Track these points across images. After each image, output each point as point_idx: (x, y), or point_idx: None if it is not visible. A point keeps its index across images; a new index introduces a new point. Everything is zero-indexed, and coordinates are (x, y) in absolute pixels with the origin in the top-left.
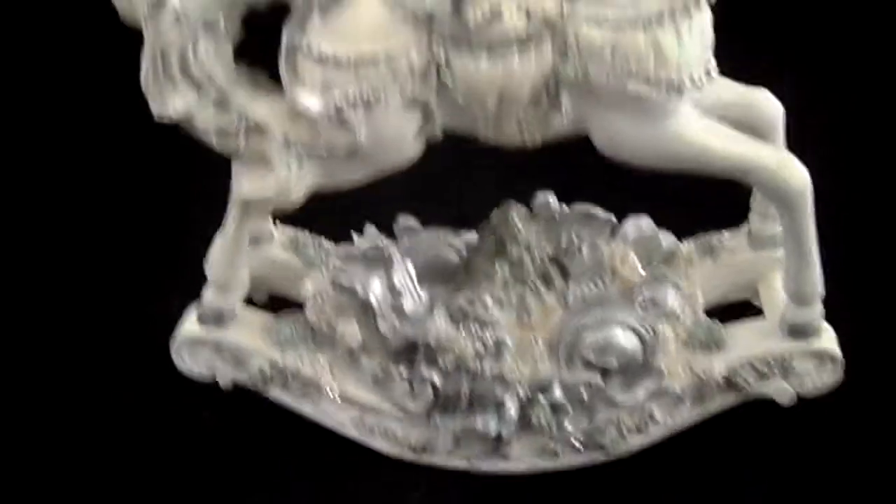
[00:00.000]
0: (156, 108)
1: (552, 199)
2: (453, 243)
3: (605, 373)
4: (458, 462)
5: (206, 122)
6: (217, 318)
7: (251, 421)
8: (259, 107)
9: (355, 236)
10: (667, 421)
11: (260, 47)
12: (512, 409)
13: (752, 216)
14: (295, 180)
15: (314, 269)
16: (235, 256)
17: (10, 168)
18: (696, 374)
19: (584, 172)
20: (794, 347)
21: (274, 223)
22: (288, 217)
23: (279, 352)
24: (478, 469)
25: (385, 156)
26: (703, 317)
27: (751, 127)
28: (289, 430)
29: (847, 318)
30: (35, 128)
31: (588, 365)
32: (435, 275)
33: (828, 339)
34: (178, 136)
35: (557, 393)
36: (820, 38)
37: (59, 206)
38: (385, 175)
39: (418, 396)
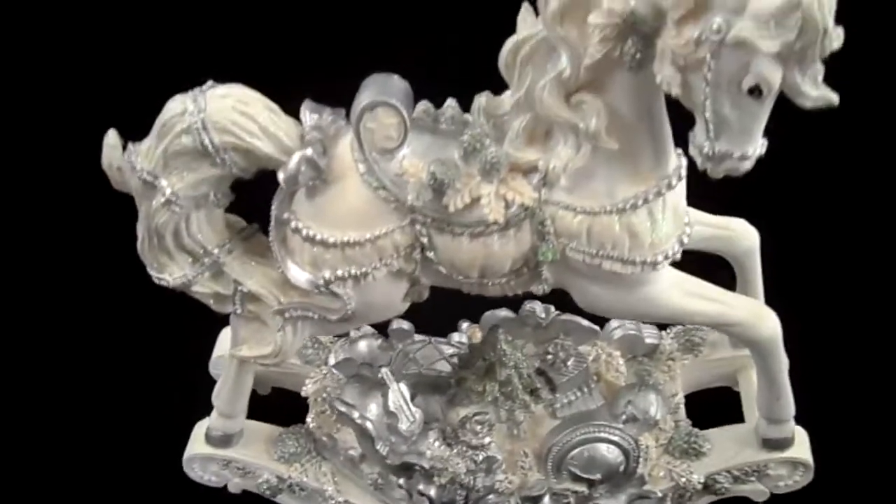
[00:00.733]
0: (153, 274)
1: (539, 306)
2: (445, 354)
3: (590, 482)
4: None
5: (203, 289)
6: (224, 441)
7: None
8: (252, 276)
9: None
10: None
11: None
12: None
13: None
14: (291, 341)
15: (313, 367)
16: (239, 395)
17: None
18: (676, 480)
19: None
20: (768, 457)
21: None
22: None
23: (284, 465)
24: None
25: (375, 315)
26: (683, 423)
27: (730, 255)
28: None
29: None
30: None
31: (575, 477)
32: (428, 387)
33: (800, 448)
34: None
35: (546, 501)
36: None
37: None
38: None
39: None
